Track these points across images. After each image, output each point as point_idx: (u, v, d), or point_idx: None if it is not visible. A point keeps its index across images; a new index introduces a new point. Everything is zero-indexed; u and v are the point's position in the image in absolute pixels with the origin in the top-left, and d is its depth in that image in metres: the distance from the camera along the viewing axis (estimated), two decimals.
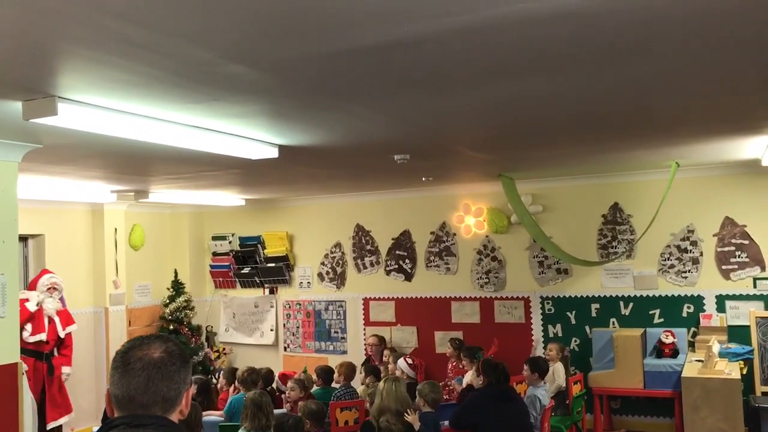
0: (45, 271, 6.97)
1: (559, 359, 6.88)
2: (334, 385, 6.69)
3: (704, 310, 6.99)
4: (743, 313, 6.78)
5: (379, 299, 8.54)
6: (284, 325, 9.13)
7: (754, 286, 6.81)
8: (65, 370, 6.84)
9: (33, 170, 5.23)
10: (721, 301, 6.93)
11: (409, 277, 8.40)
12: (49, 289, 6.69)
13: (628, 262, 7.31)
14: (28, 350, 6.26)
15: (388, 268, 8.51)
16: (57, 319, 6.71)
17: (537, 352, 7.28)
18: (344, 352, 8.58)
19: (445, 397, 6.14)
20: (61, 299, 6.88)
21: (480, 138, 4.83)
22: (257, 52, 2.49)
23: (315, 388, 6.70)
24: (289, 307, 9.11)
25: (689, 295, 7.07)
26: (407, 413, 4.86)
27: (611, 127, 4.43)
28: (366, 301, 8.62)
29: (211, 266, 9.48)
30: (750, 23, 2.38)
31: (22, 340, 6.13)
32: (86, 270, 7.99)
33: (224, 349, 9.22)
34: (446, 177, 7.24)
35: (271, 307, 9.17)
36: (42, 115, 3.01)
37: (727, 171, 6.84)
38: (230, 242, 9.36)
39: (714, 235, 6.98)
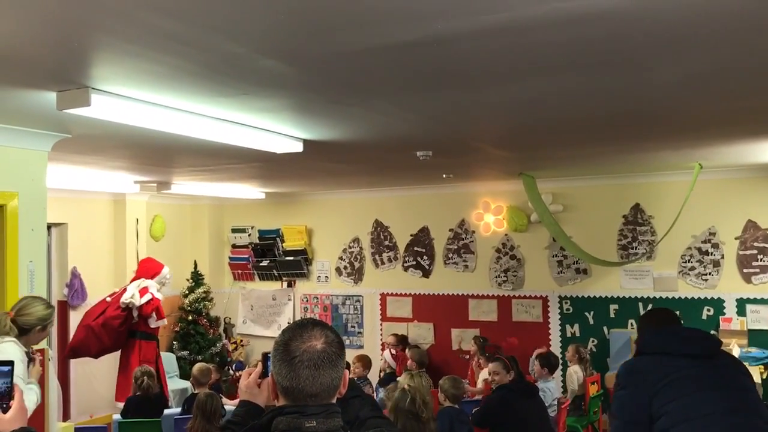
0: (152, 261, 7.21)
1: (576, 361, 6.85)
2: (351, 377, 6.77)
3: (724, 314, 6.94)
4: (764, 317, 6.73)
5: (397, 295, 8.57)
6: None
7: None
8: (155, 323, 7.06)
9: (59, 159, 5.29)
10: (741, 305, 6.88)
11: (426, 273, 8.42)
12: (164, 282, 7.01)
13: (648, 263, 7.28)
14: (147, 334, 6.72)
15: (406, 264, 8.53)
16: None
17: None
18: (360, 347, 8.62)
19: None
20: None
21: (503, 135, 4.83)
22: (289, 47, 2.51)
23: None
24: (307, 300, 9.16)
25: (709, 298, 7.03)
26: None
27: (635, 129, 4.42)
28: (383, 297, 8.65)
29: (230, 258, 9.55)
30: None
31: (146, 324, 6.62)
32: (108, 259, 8.09)
33: (242, 340, 9.29)
34: (467, 174, 7.24)
35: (289, 300, 9.23)
36: (75, 106, 3.06)
37: (751, 174, 6.78)
38: (249, 235, 9.43)
39: (736, 238, 6.93)
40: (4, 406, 1.54)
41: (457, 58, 2.67)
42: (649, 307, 7.23)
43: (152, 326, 6.73)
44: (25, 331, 3.51)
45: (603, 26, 2.31)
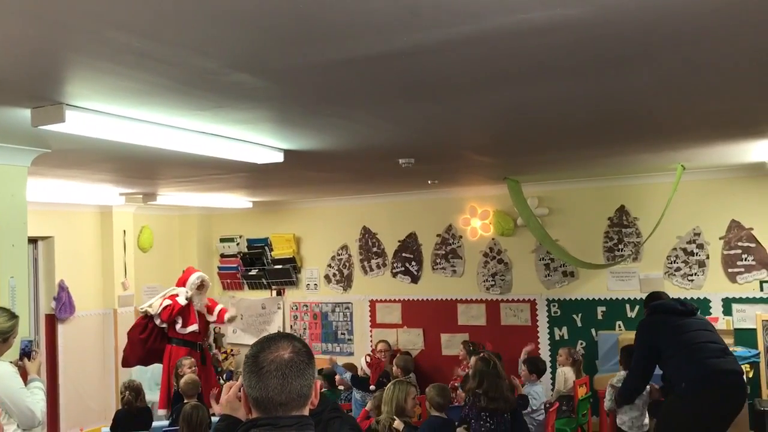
0: (192, 269, 7.26)
1: (569, 364, 6.86)
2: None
3: (710, 313, 6.97)
4: (750, 316, 6.77)
5: (386, 301, 8.58)
6: (291, 326, 9.17)
7: (761, 289, 6.79)
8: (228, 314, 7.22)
9: (42, 174, 5.30)
10: (727, 304, 6.92)
11: (415, 279, 8.43)
12: (198, 286, 6.97)
13: (635, 264, 7.31)
14: (183, 341, 6.80)
15: (394, 270, 8.54)
16: (205, 312, 7.09)
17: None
18: (351, 354, 8.62)
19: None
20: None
21: (484, 143, 4.86)
22: (260, 61, 2.53)
23: (323, 390, 6.78)
24: (296, 308, 9.16)
25: (695, 298, 7.05)
26: (393, 419, 4.88)
27: (614, 133, 4.45)
28: (372, 303, 8.66)
29: (219, 268, 9.54)
30: (751, 28, 2.39)
31: (175, 331, 6.73)
32: (95, 272, 8.07)
33: (232, 350, 9.27)
34: (452, 180, 7.26)
35: (279, 308, 9.22)
36: (50, 122, 3.07)
37: (734, 174, 6.83)
38: (238, 244, 9.43)
39: (720, 238, 6.97)
40: None
41: (428, 69, 2.69)
42: (636, 308, 7.27)
43: (180, 333, 6.80)
44: None
45: (568, 36, 2.34)
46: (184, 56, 2.42)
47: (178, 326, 6.76)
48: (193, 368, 6.13)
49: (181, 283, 7.07)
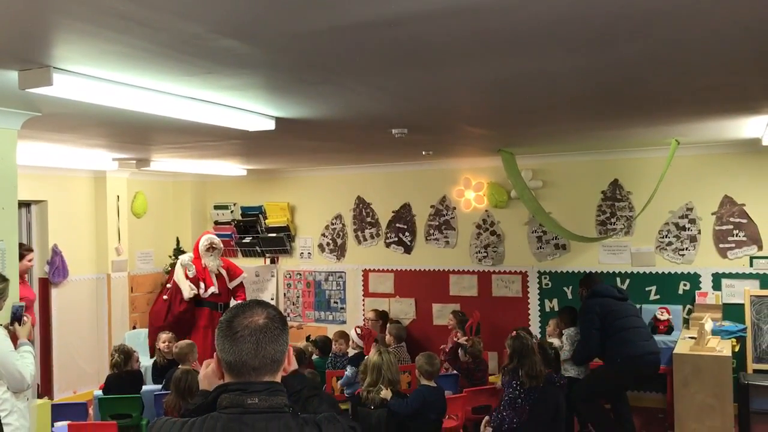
0: (205, 233, 7.40)
1: (556, 335, 6.91)
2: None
3: (700, 288, 7.03)
4: (738, 292, 6.83)
5: (379, 271, 8.62)
6: (285, 294, 9.23)
7: (751, 265, 6.84)
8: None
9: (34, 137, 5.27)
10: (717, 280, 6.97)
11: (408, 249, 8.46)
12: (208, 249, 7.11)
13: (626, 238, 7.35)
14: (206, 302, 7.01)
15: (387, 241, 8.57)
16: (224, 273, 7.24)
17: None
18: (343, 322, 8.69)
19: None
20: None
21: (477, 114, 4.84)
22: (247, 27, 2.51)
23: (314, 357, 6.84)
24: (290, 276, 9.20)
25: (686, 273, 7.11)
26: (381, 387, 4.95)
27: (607, 105, 4.43)
28: (366, 273, 8.70)
29: None
30: (745, 3, 2.37)
31: (199, 295, 6.91)
32: (89, 236, 8.09)
33: None
34: (446, 151, 7.25)
35: (272, 276, 9.27)
36: (37, 85, 3.05)
37: (727, 150, 6.83)
38: (232, 212, 9.44)
39: (712, 214, 7.00)
40: None
41: (416, 38, 2.67)
42: (627, 281, 7.32)
43: (203, 296, 7.01)
44: None
45: (558, 6, 2.32)
46: (170, 21, 2.40)
47: (201, 291, 6.97)
48: (168, 343, 6.24)
49: (195, 247, 7.29)
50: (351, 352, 6.73)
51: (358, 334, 6.66)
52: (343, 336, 6.87)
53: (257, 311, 1.73)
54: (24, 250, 6.53)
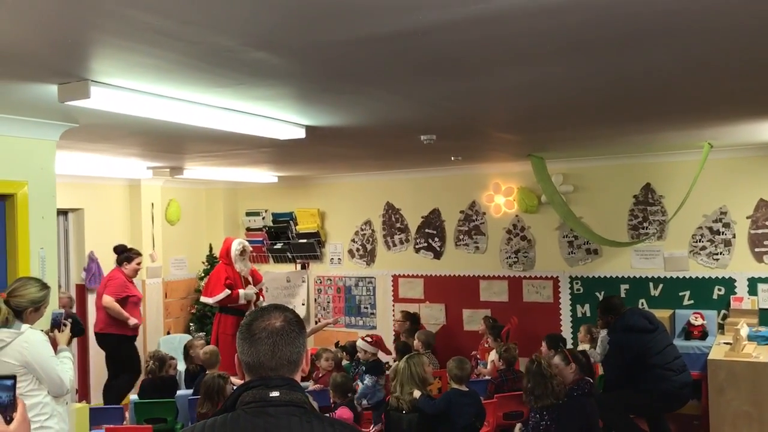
0: (230, 239, 7.60)
1: (587, 341, 6.86)
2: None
3: (735, 293, 6.92)
4: None
5: (408, 276, 8.64)
6: (315, 300, 9.30)
7: None
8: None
9: (71, 147, 5.41)
10: (753, 284, 6.86)
11: (438, 255, 8.47)
12: (241, 253, 7.36)
13: (659, 243, 7.26)
14: (230, 309, 7.18)
15: (417, 246, 8.59)
16: (250, 278, 7.48)
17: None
18: (373, 327, 8.72)
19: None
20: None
21: (506, 120, 4.84)
22: (278, 39, 2.56)
23: (345, 362, 6.87)
24: (320, 282, 9.27)
25: (720, 278, 7.01)
26: (413, 389, 4.99)
27: (638, 110, 4.40)
28: (395, 278, 8.73)
29: None
30: None
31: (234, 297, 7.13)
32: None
33: None
34: (475, 156, 7.25)
35: (303, 282, 9.34)
36: (76, 98, 3.14)
37: (762, 152, 6.72)
38: (263, 218, 9.54)
39: (747, 218, 6.89)
40: (8, 418, 1.64)
41: (442, 48, 2.70)
42: (660, 286, 7.24)
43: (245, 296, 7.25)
44: (18, 312, 3.60)
45: (584, 14, 2.33)
46: (203, 35, 2.46)
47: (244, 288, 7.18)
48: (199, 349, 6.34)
49: (223, 253, 7.44)
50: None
51: (369, 343, 6.55)
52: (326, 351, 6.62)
53: (275, 315, 1.80)
54: (133, 254, 6.78)
